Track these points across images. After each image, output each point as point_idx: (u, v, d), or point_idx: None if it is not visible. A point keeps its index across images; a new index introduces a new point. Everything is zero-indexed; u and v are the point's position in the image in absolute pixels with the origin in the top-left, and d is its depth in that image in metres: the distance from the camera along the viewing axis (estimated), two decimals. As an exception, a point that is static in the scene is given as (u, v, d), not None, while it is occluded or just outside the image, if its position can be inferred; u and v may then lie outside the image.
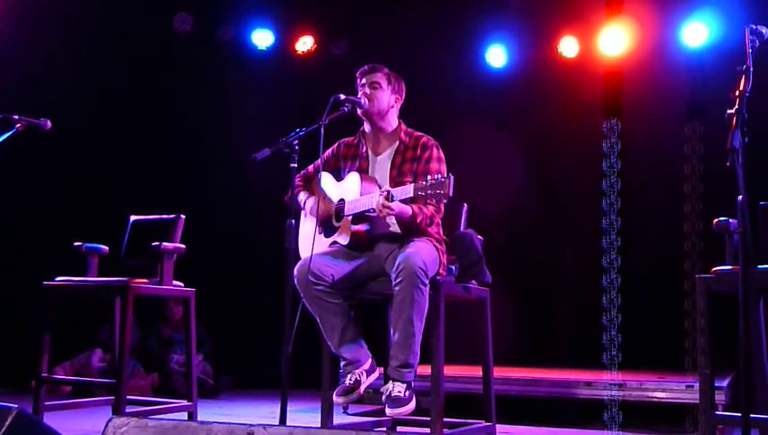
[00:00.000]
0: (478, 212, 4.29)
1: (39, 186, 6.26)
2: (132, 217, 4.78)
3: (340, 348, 3.62)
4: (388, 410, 3.46)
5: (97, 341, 6.32)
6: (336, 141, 3.97)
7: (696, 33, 6.08)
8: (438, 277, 3.62)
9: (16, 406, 2.21)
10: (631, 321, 5.94)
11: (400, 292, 3.41)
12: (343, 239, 3.72)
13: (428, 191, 3.33)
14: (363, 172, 3.79)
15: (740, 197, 2.50)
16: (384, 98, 3.81)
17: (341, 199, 3.76)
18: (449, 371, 3.84)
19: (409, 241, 3.59)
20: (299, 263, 3.61)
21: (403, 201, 3.49)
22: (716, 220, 3.32)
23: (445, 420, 3.62)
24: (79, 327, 6.03)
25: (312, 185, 3.95)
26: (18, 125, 3.87)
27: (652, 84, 6.21)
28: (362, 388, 3.59)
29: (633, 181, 6.17)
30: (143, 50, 6.75)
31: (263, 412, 5.12)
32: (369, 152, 3.87)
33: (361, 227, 3.67)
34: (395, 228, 3.71)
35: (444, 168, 3.74)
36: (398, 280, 3.42)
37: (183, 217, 4.57)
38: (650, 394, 4.77)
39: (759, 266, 3.08)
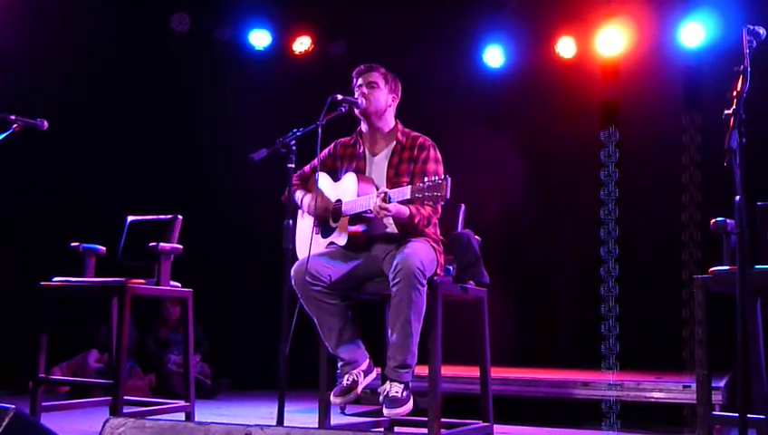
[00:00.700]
0: (476, 213, 4.29)
1: (36, 186, 6.24)
2: (129, 218, 4.77)
3: (337, 348, 3.62)
4: (385, 411, 3.46)
5: (94, 341, 6.32)
6: (333, 142, 3.97)
7: (694, 34, 6.09)
8: (436, 278, 3.62)
9: (13, 407, 2.21)
10: (629, 319, 5.94)
11: (398, 292, 3.41)
12: (341, 240, 3.72)
13: (426, 193, 3.33)
14: (360, 172, 3.79)
15: (737, 197, 2.50)
16: (381, 97, 3.81)
17: (338, 200, 3.76)
18: (447, 371, 3.84)
19: (407, 242, 3.59)
20: (296, 263, 3.61)
21: (400, 202, 3.49)
22: (714, 221, 3.32)
23: (442, 420, 3.62)
24: (76, 328, 6.02)
25: (308, 185, 3.95)
26: (15, 125, 3.86)
27: (649, 84, 6.22)
28: (360, 388, 3.59)
29: (630, 182, 6.18)
30: (140, 50, 6.75)
31: (260, 413, 5.12)
32: (367, 152, 3.87)
33: (359, 228, 3.67)
34: (392, 229, 3.71)
35: (441, 168, 3.74)
36: (395, 281, 3.42)
37: (180, 217, 4.57)
38: (647, 394, 4.77)
39: (756, 267, 3.09)
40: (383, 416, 3.56)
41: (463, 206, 4.14)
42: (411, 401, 3.48)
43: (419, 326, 3.46)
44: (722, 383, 4.57)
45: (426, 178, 3.38)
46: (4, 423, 2.10)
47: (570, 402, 4.97)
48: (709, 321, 3.27)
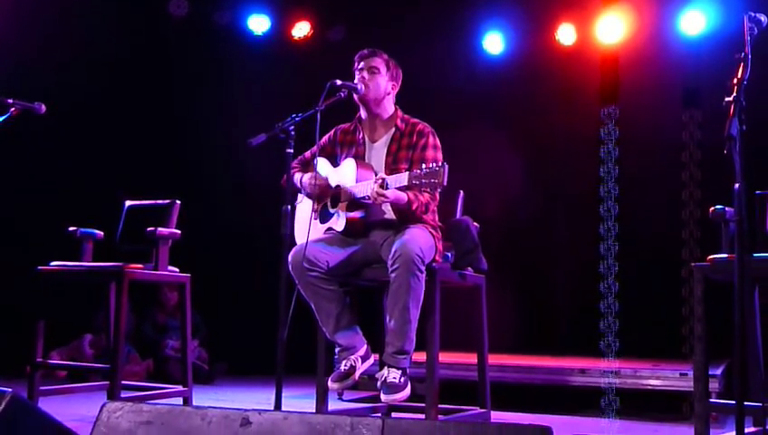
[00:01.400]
0: (474, 199, 4.28)
1: (34, 171, 6.23)
2: (127, 203, 4.76)
3: (335, 334, 3.62)
4: (383, 397, 3.47)
5: (91, 326, 6.32)
6: (332, 127, 3.96)
7: (694, 21, 6.07)
8: (434, 264, 3.61)
9: (11, 390, 2.21)
10: (628, 308, 5.95)
11: (396, 279, 3.41)
12: (339, 226, 3.71)
13: (423, 180, 3.33)
14: (360, 159, 3.78)
15: (737, 185, 2.50)
16: (381, 83, 3.79)
17: (338, 185, 3.75)
18: (444, 357, 3.85)
19: (405, 228, 3.58)
20: (294, 249, 3.61)
21: (399, 189, 3.49)
22: (713, 208, 3.32)
23: (440, 406, 3.63)
24: (74, 312, 6.02)
25: (308, 169, 3.94)
26: (12, 109, 3.85)
27: (649, 72, 6.20)
28: (357, 374, 3.60)
29: (630, 168, 6.17)
30: (138, 34, 6.71)
31: (258, 398, 5.13)
32: (366, 139, 3.86)
33: (357, 214, 3.67)
34: (390, 215, 3.70)
35: (440, 155, 3.73)
36: (394, 267, 3.41)
37: (178, 202, 4.56)
38: (645, 382, 4.78)
39: (755, 255, 3.08)
40: (381, 402, 3.57)
41: (461, 192, 4.14)
42: (409, 386, 3.48)
43: (417, 313, 3.47)
44: (719, 371, 4.59)
45: (423, 165, 3.37)
46: (2, 406, 2.10)
47: (567, 389, 4.98)
48: (707, 309, 3.27)
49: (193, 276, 4.47)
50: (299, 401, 4.86)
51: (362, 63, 3.81)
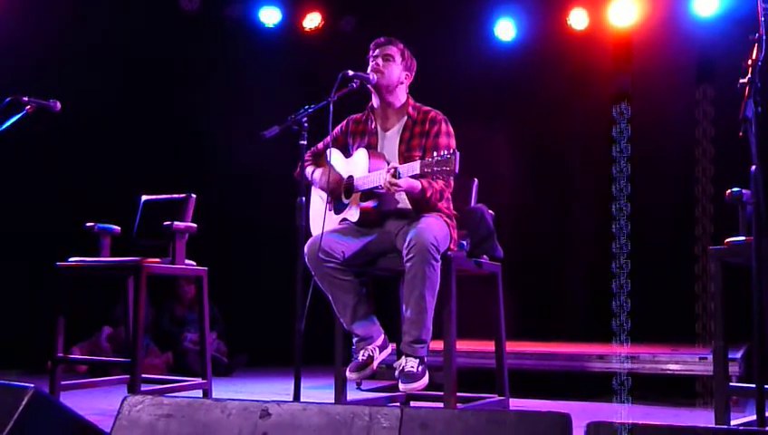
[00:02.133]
0: (489, 188, 4.27)
1: (51, 167, 6.27)
2: (144, 197, 4.79)
3: (352, 325, 3.63)
4: (401, 386, 3.47)
5: (111, 320, 6.37)
6: (345, 118, 3.96)
7: (708, 2, 6.01)
8: (450, 253, 3.61)
9: (33, 386, 2.23)
10: (642, 292, 5.91)
11: (412, 268, 3.41)
12: (353, 216, 3.71)
13: (435, 168, 3.32)
14: (372, 148, 3.78)
15: (753, 167, 2.48)
16: (395, 71, 3.78)
17: (350, 176, 3.75)
18: (462, 346, 3.85)
19: (420, 217, 3.58)
20: (309, 240, 3.62)
21: (412, 177, 3.48)
22: (729, 191, 3.30)
23: (458, 394, 3.63)
24: (93, 307, 6.07)
25: (320, 161, 3.95)
26: (28, 107, 3.87)
27: (663, 54, 6.16)
28: (375, 364, 3.61)
29: (643, 149, 6.12)
30: (151, 30, 6.73)
31: (277, 389, 5.15)
32: (378, 128, 3.85)
33: (370, 204, 3.67)
34: (404, 205, 3.70)
35: (453, 142, 3.73)
36: (409, 256, 3.42)
37: (194, 196, 4.58)
38: (663, 366, 4.77)
39: (773, 237, 3.06)
40: (399, 391, 3.58)
41: (476, 180, 4.13)
42: (427, 375, 3.49)
43: (434, 301, 3.47)
44: (738, 355, 4.56)
45: (435, 153, 3.37)
46: (24, 402, 2.13)
47: (585, 375, 4.98)
48: (725, 292, 3.25)
49: (210, 269, 4.49)
50: (318, 391, 4.88)
51: (377, 51, 3.81)
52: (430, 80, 4.37)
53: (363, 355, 3.60)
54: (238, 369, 6.42)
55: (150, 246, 4.46)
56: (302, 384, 3.21)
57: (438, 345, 3.65)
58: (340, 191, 3.81)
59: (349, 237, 3.68)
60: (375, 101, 3.86)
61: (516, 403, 4.17)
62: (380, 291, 4.00)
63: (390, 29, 4.17)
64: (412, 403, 4.05)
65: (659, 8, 6.20)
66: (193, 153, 6.87)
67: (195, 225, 4.45)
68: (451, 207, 3.78)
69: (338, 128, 3.94)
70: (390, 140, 3.81)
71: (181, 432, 2.04)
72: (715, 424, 3.11)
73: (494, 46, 6.77)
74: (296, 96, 4.06)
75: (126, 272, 4.37)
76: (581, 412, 4.20)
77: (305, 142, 3.40)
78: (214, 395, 4.40)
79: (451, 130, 3.77)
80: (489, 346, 4.12)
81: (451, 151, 3.31)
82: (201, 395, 4.33)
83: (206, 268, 4.47)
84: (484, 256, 3.91)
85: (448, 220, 3.68)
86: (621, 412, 4.36)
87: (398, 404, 3.95)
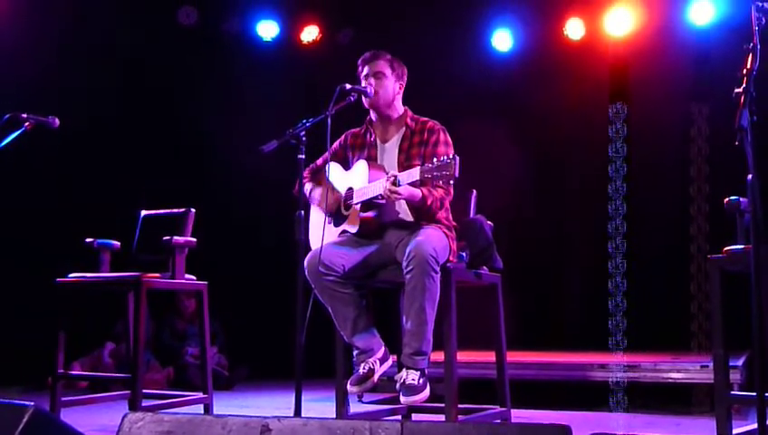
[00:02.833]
0: (487, 198, 4.28)
1: (50, 184, 6.28)
2: (143, 212, 4.79)
3: (352, 337, 3.63)
4: (402, 399, 3.47)
5: (111, 336, 6.36)
6: (343, 131, 3.97)
7: (703, 11, 6.04)
8: (449, 264, 3.62)
9: (32, 404, 2.23)
10: (639, 304, 5.92)
11: (411, 280, 3.42)
12: (352, 227, 3.72)
13: (435, 173, 3.33)
14: (372, 160, 3.79)
15: (749, 176, 2.49)
16: (389, 86, 3.80)
17: (350, 188, 3.76)
18: (463, 356, 3.84)
19: (419, 228, 3.59)
20: (309, 254, 3.62)
21: (412, 184, 3.49)
22: (727, 199, 3.30)
23: (459, 406, 3.63)
24: (93, 323, 6.07)
25: (319, 177, 3.95)
26: (27, 124, 3.88)
27: (659, 64, 6.18)
28: (376, 376, 3.60)
29: (639, 164, 6.15)
30: (149, 45, 6.75)
31: (278, 403, 5.15)
32: (378, 140, 3.86)
33: (370, 214, 3.67)
34: (404, 215, 3.71)
35: (451, 151, 3.73)
36: (408, 268, 3.42)
37: (193, 210, 4.58)
38: (665, 375, 4.77)
39: (771, 244, 3.06)
40: (400, 403, 3.58)
41: (474, 192, 4.14)
42: (428, 387, 3.49)
43: (434, 313, 3.47)
44: (740, 362, 4.56)
45: (435, 159, 3.38)
46: (24, 421, 2.13)
47: (587, 385, 4.97)
48: (724, 300, 3.26)
49: (210, 283, 4.50)
50: (319, 404, 4.87)
51: (367, 69, 3.81)
52: (428, 90, 4.39)
53: (364, 368, 3.60)
54: (239, 382, 6.41)
55: (150, 261, 4.47)
56: (303, 397, 3.21)
57: (439, 357, 3.64)
58: (340, 204, 3.82)
59: (349, 249, 3.68)
60: (373, 115, 3.88)
61: (518, 414, 4.16)
62: (381, 303, 4.00)
63: (388, 41, 4.19)
64: (414, 416, 4.04)
65: (655, 17, 6.22)
66: (192, 167, 6.88)
67: (194, 239, 4.46)
68: (450, 218, 3.78)
69: (336, 142, 3.95)
70: (390, 152, 3.82)
71: (182, 449, 2.04)
72: (717, 433, 3.10)
73: (492, 57, 6.79)
74: (295, 109, 4.08)
75: (126, 287, 4.37)
76: (583, 422, 4.20)
77: (303, 156, 3.41)
78: (215, 409, 4.40)
79: (449, 139, 3.79)
80: (490, 357, 4.12)
81: (451, 156, 3.32)
82: (202, 410, 4.33)
83: (205, 282, 4.47)
84: (484, 268, 3.91)
85: (448, 232, 3.68)
86: (622, 422, 4.35)
87: (399, 417, 3.95)
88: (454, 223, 3.79)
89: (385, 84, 3.79)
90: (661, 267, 6.11)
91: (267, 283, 6.66)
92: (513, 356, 4.48)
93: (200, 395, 4.41)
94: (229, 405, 5.06)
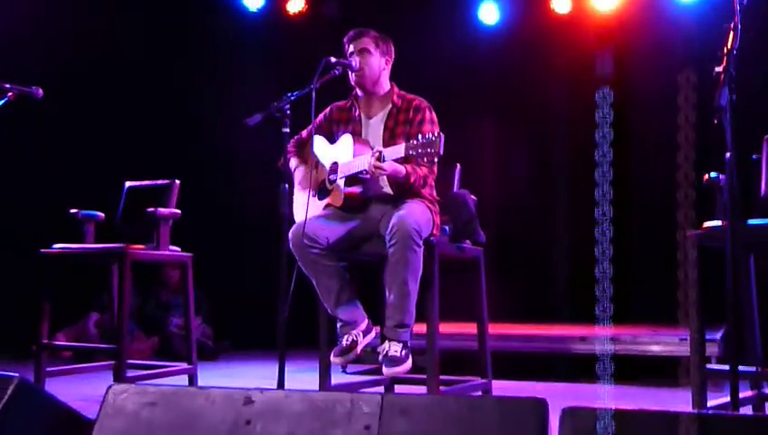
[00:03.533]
0: (471, 172, 4.30)
1: (34, 153, 6.25)
2: (127, 184, 4.79)
3: (336, 309, 3.66)
4: (384, 370, 3.51)
5: (96, 306, 6.38)
6: (328, 105, 3.97)
7: (689, -13, 6.05)
8: (432, 238, 3.65)
9: (17, 375, 2.25)
10: (625, 275, 5.97)
11: (394, 253, 3.44)
12: (337, 201, 3.74)
13: (419, 150, 3.35)
14: (356, 135, 3.80)
15: (728, 154, 2.52)
16: (375, 63, 3.79)
17: (335, 162, 3.77)
18: (445, 328, 3.89)
19: (403, 202, 3.61)
20: (293, 227, 3.64)
21: (397, 161, 3.51)
22: (706, 176, 3.34)
23: (441, 377, 3.68)
24: (77, 293, 6.08)
25: (304, 150, 3.96)
26: (9, 94, 3.86)
27: (645, 39, 6.19)
28: (359, 348, 3.64)
29: (625, 134, 6.16)
30: (133, 14, 6.70)
31: (262, 373, 5.19)
32: (362, 116, 3.87)
33: (355, 190, 3.69)
34: (388, 190, 3.73)
35: (436, 129, 3.74)
36: (392, 242, 3.45)
37: (178, 182, 4.59)
38: (644, 348, 4.84)
39: (749, 221, 3.11)
40: (383, 375, 3.62)
41: (458, 166, 4.16)
42: (410, 359, 3.53)
43: (416, 286, 3.50)
44: (717, 335, 4.63)
45: (420, 136, 3.39)
46: (9, 392, 2.15)
47: (568, 357, 5.04)
48: (703, 275, 3.31)
49: (194, 255, 4.51)
50: (302, 374, 4.92)
51: (351, 47, 3.81)
52: (413, 64, 4.38)
53: (347, 340, 3.64)
54: (224, 353, 6.45)
55: (135, 233, 4.47)
56: (286, 368, 3.24)
57: (422, 329, 3.69)
58: (325, 178, 3.83)
59: (333, 223, 3.70)
60: (359, 91, 3.88)
61: (499, 385, 4.22)
62: (364, 276, 4.03)
63: (373, 13, 4.18)
64: (396, 387, 4.10)
65: (642, -8, 6.23)
66: (176, 139, 6.86)
67: (179, 211, 4.46)
68: (434, 193, 3.81)
69: (321, 115, 3.95)
70: (374, 127, 3.83)
71: (166, 420, 2.08)
72: (692, 406, 3.17)
73: (478, 29, 6.78)
74: (280, 82, 4.06)
75: (110, 259, 4.38)
76: (564, 393, 4.27)
77: (288, 130, 3.41)
78: (199, 380, 4.43)
79: (435, 117, 3.80)
80: (472, 329, 4.17)
81: (436, 134, 3.34)
82: (187, 380, 4.36)
83: (190, 254, 4.49)
84: (467, 241, 3.95)
85: (431, 206, 3.71)
86: (600, 394, 4.42)
87: (381, 388, 4.00)
88: (437, 197, 3.81)
89: (370, 61, 3.78)
90: (649, 236, 6.14)
91: (251, 255, 6.68)
92: (495, 328, 4.53)
93: (185, 365, 4.45)
94: (213, 375, 5.10)
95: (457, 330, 5.02)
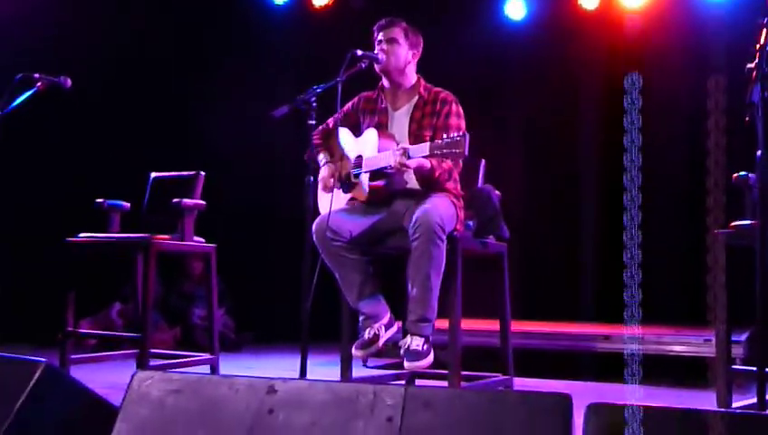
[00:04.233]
0: (497, 167, 4.28)
1: (62, 143, 6.30)
2: (153, 174, 4.82)
3: (358, 303, 3.67)
4: (406, 364, 3.51)
5: (120, 296, 6.42)
6: (357, 95, 3.97)
7: (720, -16, 5.98)
8: (456, 233, 3.64)
9: (44, 360, 2.28)
10: (653, 275, 5.90)
11: (418, 247, 3.44)
12: (361, 195, 3.74)
13: (444, 150, 3.34)
14: (382, 127, 3.80)
15: (759, 151, 2.49)
16: (402, 53, 3.79)
17: (359, 156, 3.77)
18: (467, 324, 3.88)
19: (427, 196, 3.60)
20: (317, 219, 3.64)
21: (420, 157, 3.51)
22: (735, 175, 3.30)
23: (462, 373, 3.67)
24: (103, 282, 6.12)
25: (330, 141, 3.96)
26: (39, 84, 3.89)
27: (674, 36, 6.12)
28: (381, 341, 3.64)
29: (654, 135, 6.10)
30: (162, 7, 6.73)
31: (284, 365, 5.20)
32: (389, 107, 3.87)
33: (379, 184, 3.69)
34: (412, 184, 3.73)
35: (463, 123, 3.74)
36: (415, 236, 3.44)
37: (203, 173, 4.61)
38: (668, 348, 4.79)
39: (778, 221, 3.07)
40: (404, 369, 3.62)
41: (483, 161, 4.14)
42: (432, 354, 3.52)
43: (439, 281, 3.50)
44: (743, 337, 4.58)
45: (445, 135, 3.39)
46: (36, 376, 2.17)
47: (591, 355, 5.00)
48: (731, 275, 3.27)
49: (219, 246, 4.53)
50: (324, 368, 4.92)
51: (381, 35, 3.81)
52: (440, 59, 4.36)
53: (369, 333, 3.64)
54: (246, 344, 6.47)
55: (159, 223, 4.50)
56: (308, 361, 3.25)
57: (444, 324, 3.68)
58: (350, 171, 3.83)
59: (356, 216, 3.70)
60: (385, 82, 3.88)
61: (521, 382, 4.20)
62: (387, 269, 4.03)
63: (401, 8, 4.16)
64: (417, 381, 4.09)
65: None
66: (202, 131, 6.88)
67: (204, 202, 4.48)
68: (459, 187, 3.80)
69: (349, 104, 3.96)
70: (400, 120, 3.83)
71: (189, 407, 2.08)
72: (717, 406, 3.14)
73: (504, 25, 6.74)
74: (306, 75, 4.07)
75: (135, 248, 4.41)
76: (585, 392, 4.23)
77: (314, 122, 3.42)
78: (221, 370, 4.45)
79: (461, 110, 3.79)
80: (494, 325, 4.15)
81: (461, 134, 3.33)
82: (209, 370, 4.38)
83: (214, 245, 4.51)
84: (491, 237, 3.93)
85: (455, 200, 3.70)
86: (626, 393, 4.38)
87: (403, 382, 3.99)
88: (462, 192, 3.80)
89: (397, 51, 3.78)
90: (677, 239, 6.07)
91: (275, 246, 6.69)
92: (518, 325, 4.51)
93: (207, 356, 4.47)
94: (235, 366, 5.12)
95: (480, 326, 5.00)
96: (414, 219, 3.47)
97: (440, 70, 4.14)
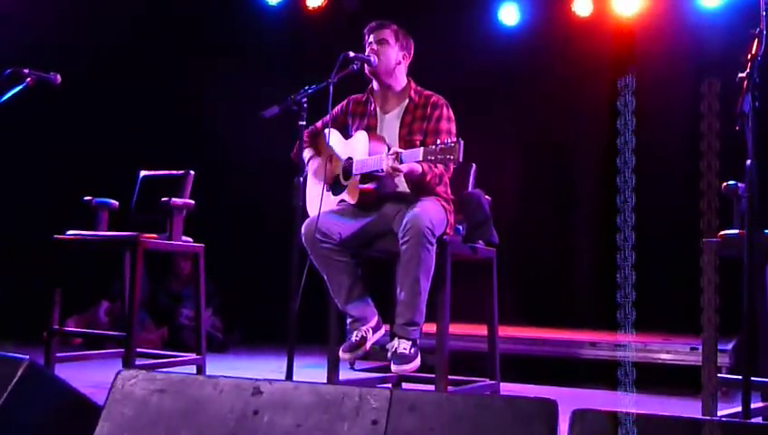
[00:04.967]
0: (487, 172, 4.28)
1: (50, 140, 6.27)
2: (142, 173, 4.79)
3: (346, 305, 3.66)
4: (393, 367, 3.51)
5: (107, 294, 6.39)
6: (346, 98, 3.96)
7: (712, -6, 6.00)
8: (445, 237, 3.63)
9: (28, 357, 2.26)
10: (645, 281, 5.90)
11: (407, 251, 3.43)
12: (351, 198, 3.73)
13: (438, 156, 3.34)
14: (371, 130, 3.79)
15: (748, 161, 2.49)
16: (391, 55, 3.79)
17: (350, 158, 3.76)
18: (455, 329, 3.88)
19: (417, 200, 3.60)
20: (306, 221, 3.64)
21: (412, 162, 3.50)
22: (725, 184, 3.31)
23: (449, 377, 3.66)
24: (89, 281, 6.09)
25: (318, 141, 3.95)
26: (28, 79, 3.87)
27: (666, 44, 6.14)
28: (368, 344, 3.64)
29: (647, 140, 6.09)
30: (153, 6, 6.71)
31: (271, 367, 5.18)
32: (378, 110, 3.86)
33: (369, 186, 3.69)
34: (403, 188, 3.72)
35: (453, 127, 3.74)
36: (404, 239, 3.44)
37: (192, 172, 4.59)
38: (655, 355, 4.80)
39: (766, 231, 3.08)
40: (391, 372, 3.61)
41: (474, 166, 4.14)
42: (419, 357, 3.52)
43: (428, 285, 3.49)
44: (729, 346, 4.59)
45: (438, 141, 3.38)
46: (19, 373, 2.15)
47: (577, 362, 5.01)
48: (717, 284, 3.27)
49: (207, 246, 4.51)
50: (311, 370, 4.91)
51: (371, 37, 3.81)
52: (432, 63, 4.36)
53: (357, 336, 3.63)
54: (233, 345, 6.45)
55: (148, 222, 4.48)
56: (295, 363, 3.24)
57: (431, 328, 3.67)
58: (339, 174, 3.83)
59: (346, 219, 3.69)
60: (375, 85, 3.87)
61: (507, 388, 4.20)
62: (376, 272, 4.02)
63: (393, 11, 4.16)
64: (404, 385, 4.08)
65: (664, -1, 6.18)
66: (192, 130, 6.86)
67: (192, 201, 4.47)
68: (449, 191, 3.79)
69: (338, 107, 3.95)
70: (390, 123, 3.82)
71: (173, 407, 2.07)
72: (702, 414, 3.14)
73: (498, 30, 6.75)
74: (298, 76, 4.05)
75: (123, 247, 4.39)
76: (572, 399, 4.23)
77: (304, 123, 3.41)
78: (208, 371, 4.43)
79: (452, 115, 3.79)
80: (482, 330, 4.15)
81: (455, 140, 3.32)
82: (195, 371, 4.36)
83: (202, 245, 4.49)
84: (480, 242, 3.93)
85: (445, 205, 3.70)
86: (612, 400, 4.39)
87: (389, 385, 3.99)
88: (452, 196, 3.80)
89: (387, 52, 3.77)
90: (662, 244, 6.08)
91: (264, 247, 6.67)
92: (505, 331, 4.51)
93: (193, 356, 4.45)
94: (222, 367, 5.09)
95: (467, 331, 5.00)
96: (404, 223, 3.46)
97: (433, 74, 4.14)
